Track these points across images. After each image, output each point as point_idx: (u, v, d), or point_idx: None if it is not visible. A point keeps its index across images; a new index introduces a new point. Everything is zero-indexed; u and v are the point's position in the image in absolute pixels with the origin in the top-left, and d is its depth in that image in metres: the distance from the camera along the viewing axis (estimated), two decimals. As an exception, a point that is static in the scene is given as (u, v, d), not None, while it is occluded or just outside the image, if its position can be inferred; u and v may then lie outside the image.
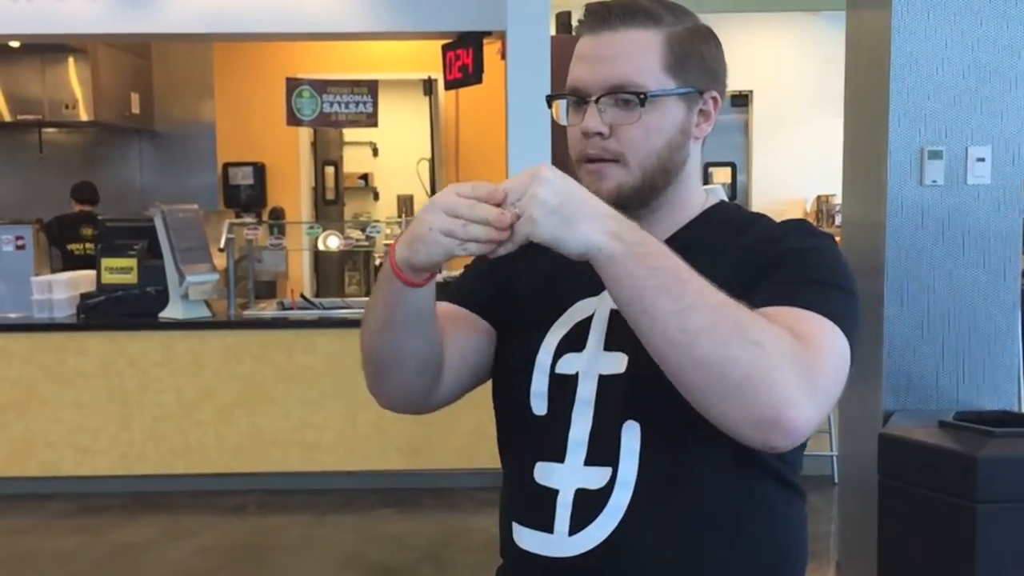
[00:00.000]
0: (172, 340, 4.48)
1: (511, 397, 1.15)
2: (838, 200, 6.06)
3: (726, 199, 1.19)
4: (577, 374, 1.09)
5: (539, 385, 1.11)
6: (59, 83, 6.39)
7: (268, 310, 4.88)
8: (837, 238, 4.39)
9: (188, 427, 4.48)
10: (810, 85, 7.20)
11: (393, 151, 8.09)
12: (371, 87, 5.25)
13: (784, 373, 0.88)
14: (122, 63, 6.69)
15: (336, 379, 4.45)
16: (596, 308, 1.11)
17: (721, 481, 1.05)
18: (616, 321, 1.07)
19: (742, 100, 7.71)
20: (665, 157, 1.07)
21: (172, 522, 4.22)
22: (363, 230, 5.71)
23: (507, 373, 1.16)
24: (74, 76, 6.37)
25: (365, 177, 8.57)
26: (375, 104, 5.26)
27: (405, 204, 8.04)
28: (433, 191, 6.53)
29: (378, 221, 7.33)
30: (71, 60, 6.33)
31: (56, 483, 4.48)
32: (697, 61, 1.10)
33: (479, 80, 4.90)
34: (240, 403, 4.48)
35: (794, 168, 7.48)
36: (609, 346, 1.08)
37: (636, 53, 1.07)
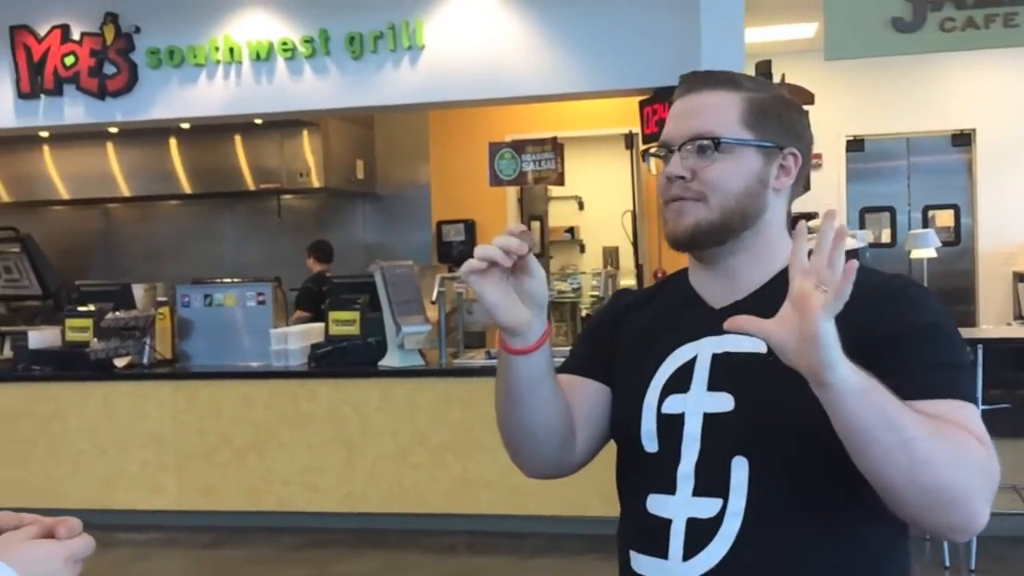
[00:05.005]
0: (390, 387, 4.79)
1: (625, 438, 1.26)
2: (1072, 242, 5.62)
3: (864, 245, 1.25)
4: (683, 413, 1.19)
5: (648, 425, 1.22)
6: (295, 154, 7.01)
7: (477, 359, 5.13)
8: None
9: (404, 469, 4.75)
10: (1038, 121, 6.75)
11: (598, 204, 8.25)
12: (555, 145, 5.42)
13: (981, 492, 1.01)
14: (349, 134, 7.26)
15: (540, 426, 4.57)
16: (697, 353, 1.21)
17: (827, 513, 1.12)
18: (718, 364, 1.18)
19: (964, 139, 7.33)
20: (744, 202, 1.18)
21: (390, 558, 4.48)
22: (567, 281, 5.87)
23: (620, 417, 1.27)
24: (307, 147, 6.98)
25: (572, 231, 8.78)
26: (560, 161, 5.41)
27: (610, 256, 8.15)
28: (636, 242, 6.61)
29: (582, 273, 7.50)
30: (305, 133, 6.94)
31: (289, 518, 4.87)
32: (775, 120, 1.21)
33: (677, 133, 4.97)
34: (450, 447, 4.71)
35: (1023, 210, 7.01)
36: (713, 387, 1.18)
37: (716, 109, 1.20)
